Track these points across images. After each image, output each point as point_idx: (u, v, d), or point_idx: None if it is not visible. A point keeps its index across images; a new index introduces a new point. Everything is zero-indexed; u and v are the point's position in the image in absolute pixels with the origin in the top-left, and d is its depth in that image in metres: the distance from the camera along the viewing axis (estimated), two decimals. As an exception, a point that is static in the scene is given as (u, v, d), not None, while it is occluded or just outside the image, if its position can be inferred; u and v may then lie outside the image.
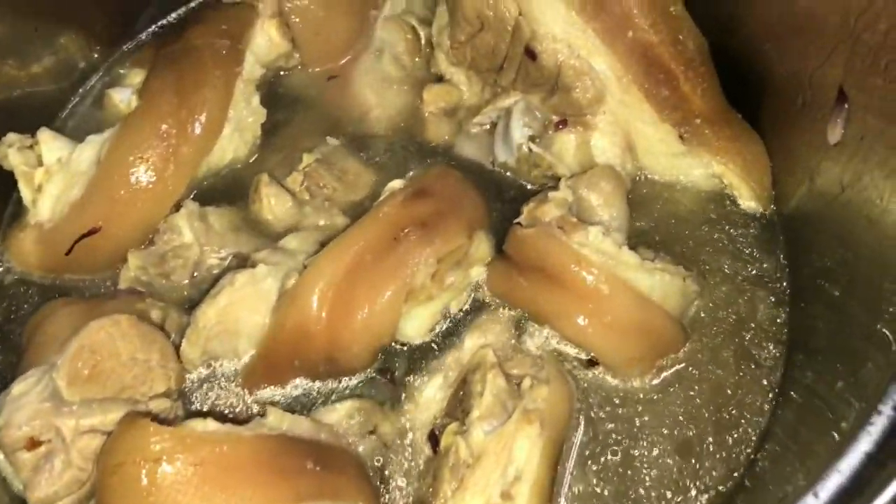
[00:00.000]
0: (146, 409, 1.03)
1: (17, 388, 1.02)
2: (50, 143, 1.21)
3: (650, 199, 1.28)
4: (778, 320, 1.18)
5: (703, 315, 1.18)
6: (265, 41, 1.33)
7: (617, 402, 1.12)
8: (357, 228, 1.15)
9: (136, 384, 1.04)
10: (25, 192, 1.19)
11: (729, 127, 1.28)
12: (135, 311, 1.09)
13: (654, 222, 1.26)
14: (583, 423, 1.10)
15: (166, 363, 1.08)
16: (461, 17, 1.30)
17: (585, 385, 1.13)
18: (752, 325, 1.17)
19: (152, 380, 1.06)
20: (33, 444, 0.99)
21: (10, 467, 1.02)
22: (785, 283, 1.21)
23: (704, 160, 1.27)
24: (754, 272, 1.22)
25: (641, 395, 1.12)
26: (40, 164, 1.19)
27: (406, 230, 1.13)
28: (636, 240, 1.21)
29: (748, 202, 1.27)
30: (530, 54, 1.25)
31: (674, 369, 1.14)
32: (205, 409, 1.10)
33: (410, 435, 1.10)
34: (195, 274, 1.18)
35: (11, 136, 1.21)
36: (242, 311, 1.11)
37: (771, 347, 1.15)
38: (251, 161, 1.29)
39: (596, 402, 1.11)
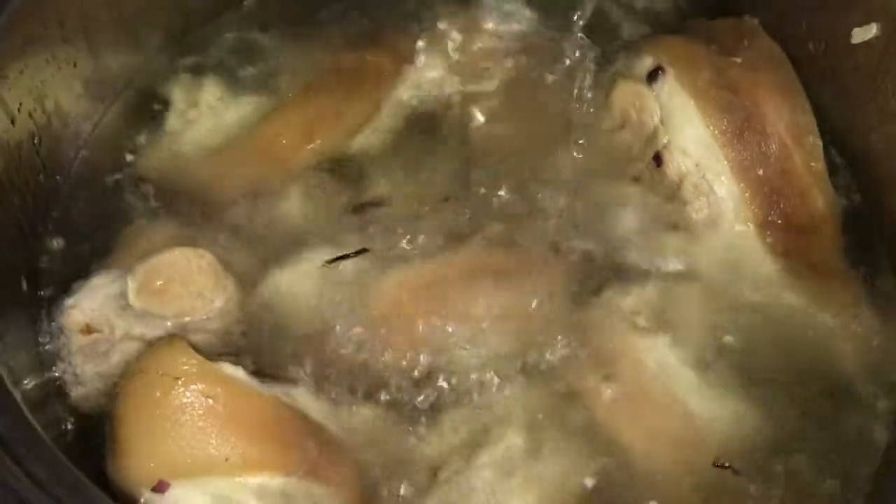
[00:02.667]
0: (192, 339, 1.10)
1: (97, 279, 1.12)
2: (212, 91, 1.35)
3: (743, 328, 1.22)
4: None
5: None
6: (429, 73, 1.43)
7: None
8: (445, 258, 1.21)
9: (193, 316, 1.11)
10: (173, 123, 1.32)
11: (841, 288, 1.24)
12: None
13: (742, 354, 1.19)
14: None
15: (228, 309, 1.15)
16: (607, 109, 1.36)
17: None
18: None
19: (209, 318, 1.13)
20: (88, 329, 1.08)
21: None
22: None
23: (808, 312, 1.22)
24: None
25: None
26: (194, 105, 1.33)
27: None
28: (715, 364, 1.17)
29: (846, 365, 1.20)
30: (657, 159, 1.28)
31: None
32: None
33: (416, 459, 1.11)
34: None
35: (184, 76, 1.37)
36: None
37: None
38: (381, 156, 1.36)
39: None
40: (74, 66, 1.23)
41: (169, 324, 1.09)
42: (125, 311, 1.09)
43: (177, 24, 1.41)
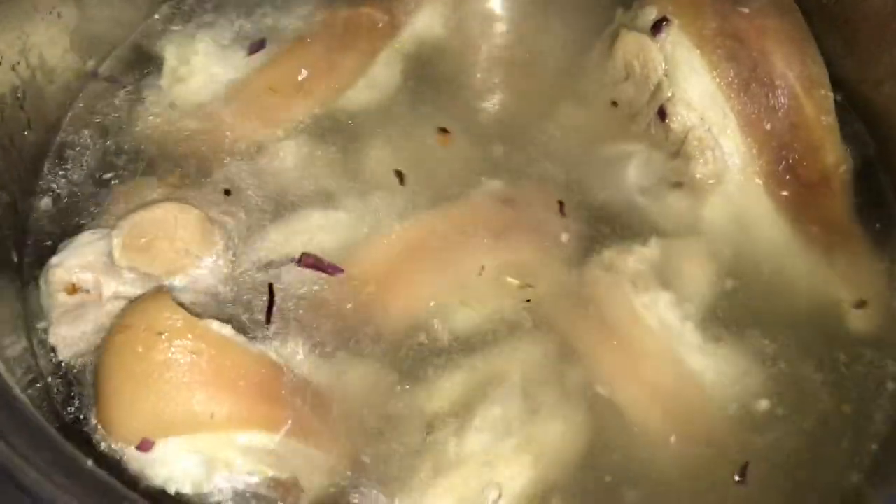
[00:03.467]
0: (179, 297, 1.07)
1: (83, 237, 1.10)
2: (204, 46, 1.32)
3: (749, 283, 1.18)
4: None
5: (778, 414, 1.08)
6: (427, 23, 1.39)
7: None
8: (439, 212, 1.19)
9: (180, 273, 1.09)
10: (166, 80, 1.29)
11: (850, 244, 1.20)
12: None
13: (748, 310, 1.16)
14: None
15: (217, 267, 1.12)
16: (610, 62, 1.32)
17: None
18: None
19: (198, 277, 1.11)
20: (73, 289, 1.05)
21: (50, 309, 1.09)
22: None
23: (816, 269, 1.18)
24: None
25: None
26: (186, 61, 1.29)
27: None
28: (719, 321, 1.13)
29: (855, 324, 1.15)
30: (661, 114, 1.24)
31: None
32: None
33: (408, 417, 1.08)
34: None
35: (176, 32, 1.35)
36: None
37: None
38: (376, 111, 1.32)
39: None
40: (59, 16, 1.20)
41: (156, 283, 1.07)
42: (112, 270, 1.07)
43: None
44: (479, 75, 1.37)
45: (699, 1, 1.25)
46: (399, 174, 1.24)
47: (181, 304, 1.01)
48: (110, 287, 1.06)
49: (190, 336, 0.95)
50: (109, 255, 1.07)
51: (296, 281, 1.13)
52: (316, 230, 1.17)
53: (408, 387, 1.08)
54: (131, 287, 1.07)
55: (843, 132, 1.22)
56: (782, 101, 1.19)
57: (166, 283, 1.07)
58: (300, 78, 1.28)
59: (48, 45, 1.19)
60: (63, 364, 1.06)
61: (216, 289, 1.12)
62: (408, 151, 1.28)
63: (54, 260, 1.08)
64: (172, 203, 1.10)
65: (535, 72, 1.36)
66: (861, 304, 1.16)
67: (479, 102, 1.33)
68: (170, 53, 1.31)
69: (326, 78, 1.29)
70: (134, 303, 1.01)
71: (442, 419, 1.06)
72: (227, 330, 1.00)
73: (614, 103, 1.31)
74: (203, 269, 1.10)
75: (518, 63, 1.37)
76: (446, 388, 1.10)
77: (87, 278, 1.07)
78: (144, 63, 1.34)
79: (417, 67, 1.36)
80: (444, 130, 1.28)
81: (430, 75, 1.35)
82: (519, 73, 1.36)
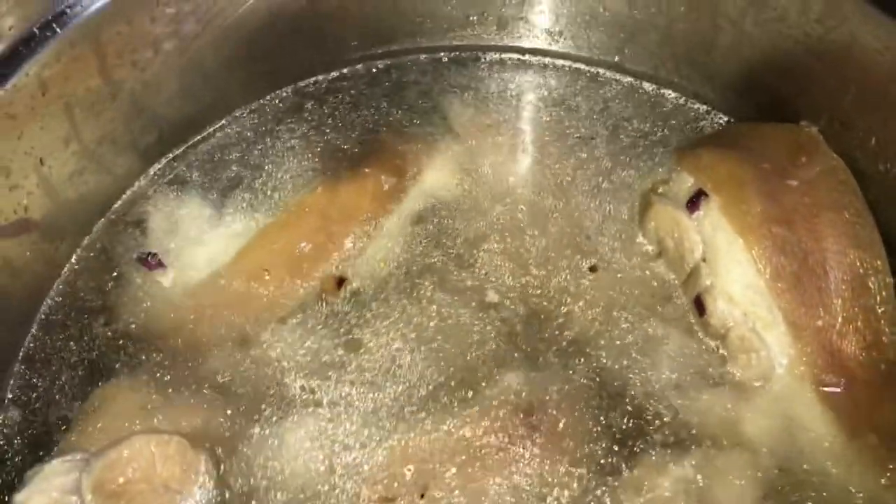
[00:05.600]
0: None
1: (50, 467, 0.98)
2: (192, 216, 1.21)
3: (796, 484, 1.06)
4: None
5: None
6: (438, 179, 1.27)
7: None
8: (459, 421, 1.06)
9: (159, 512, 0.98)
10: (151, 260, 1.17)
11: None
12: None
13: None
14: None
15: (203, 496, 1.01)
16: (641, 232, 1.19)
17: None
18: None
19: (177, 512, 1.00)
20: (42, 532, 0.96)
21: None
22: None
23: (872, 485, 1.04)
24: None
25: None
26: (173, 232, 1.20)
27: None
28: None
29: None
30: (699, 305, 1.11)
31: None
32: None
33: None
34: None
35: (161, 202, 1.23)
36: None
37: None
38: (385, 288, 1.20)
39: None
40: (25, 210, 1.08)
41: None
42: (83, 509, 0.96)
43: (150, 142, 1.25)
44: (495, 241, 1.23)
45: (742, 173, 1.12)
46: (407, 363, 1.12)
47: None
48: (82, 529, 0.96)
49: None
50: (78, 491, 0.96)
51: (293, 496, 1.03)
52: (307, 442, 1.06)
53: None
54: (105, 530, 0.96)
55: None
56: (836, 293, 1.06)
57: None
58: (296, 255, 1.16)
59: (14, 247, 1.08)
60: None
61: (202, 520, 1.01)
62: (413, 337, 1.15)
63: (18, 498, 0.97)
64: (148, 435, 0.98)
65: (558, 241, 1.22)
66: None
67: (495, 275, 1.20)
68: (153, 226, 1.20)
69: (325, 255, 1.17)
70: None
71: None
72: None
73: (647, 282, 1.18)
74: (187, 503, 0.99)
75: (538, 231, 1.24)
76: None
77: (56, 519, 0.96)
78: (126, 239, 1.22)
79: (428, 232, 1.23)
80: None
81: (443, 242, 1.23)
82: (539, 243, 1.22)
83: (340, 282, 1.17)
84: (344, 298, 1.17)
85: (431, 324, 1.16)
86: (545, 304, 1.18)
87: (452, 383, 1.11)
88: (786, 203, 1.10)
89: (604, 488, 1.04)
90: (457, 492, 1.03)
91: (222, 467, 1.04)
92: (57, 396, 1.09)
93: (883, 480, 1.04)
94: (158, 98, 1.20)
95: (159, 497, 0.97)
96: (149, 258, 1.17)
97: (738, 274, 1.08)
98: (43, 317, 1.15)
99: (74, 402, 1.09)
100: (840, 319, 1.06)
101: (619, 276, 1.19)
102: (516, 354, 1.14)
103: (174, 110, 1.23)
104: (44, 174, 1.07)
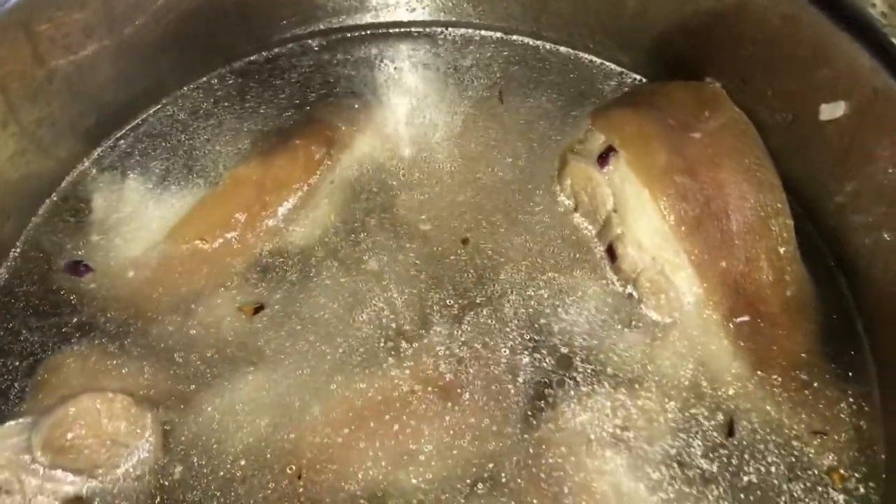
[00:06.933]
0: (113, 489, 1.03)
1: (3, 430, 1.04)
2: (133, 190, 1.27)
3: (709, 425, 1.12)
4: None
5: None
6: (366, 147, 1.33)
7: None
8: (383, 378, 1.13)
9: (108, 466, 1.04)
10: (95, 232, 1.23)
11: (812, 374, 1.14)
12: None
13: (707, 455, 1.10)
14: None
15: (146, 452, 1.07)
16: (559, 189, 1.26)
17: None
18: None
19: (127, 467, 1.05)
20: (-4, 489, 1.02)
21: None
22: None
23: (778, 402, 1.13)
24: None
25: None
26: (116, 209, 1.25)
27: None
28: (677, 474, 1.08)
29: (815, 455, 1.10)
30: (611, 253, 1.18)
31: None
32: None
33: None
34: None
35: (104, 178, 1.29)
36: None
37: None
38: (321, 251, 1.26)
39: None
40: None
41: (86, 478, 1.03)
42: (35, 466, 1.02)
43: (90, 124, 1.30)
44: (424, 203, 1.29)
45: (648, 129, 1.19)
46: (345, 317, 1.19)
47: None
48: (34, 485, 1.01)
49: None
50: (31, 451, 1.02)
51: (235, 460, 1.09)
52: (248, 401, 1.12)
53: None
54: (55, 482, 1.02)
55: (807, 257, 1.17)
56: (737, 236, 1.14)
57: (95, 476, 1.03)
58: (233, 224, 1.22)
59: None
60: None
61: (151, 472, 1.06)
62: (354, 291, 1.21)
63: (-28, 459, 1.03)
64: (93, 393, 1.04)
65: (483, 198, 1.29)
66: (820, 434, 1.11)
67: (425, 233, 1.26)
68: (98, 202, 1.26)
69: (260, 220, 1.23)
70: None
71: None
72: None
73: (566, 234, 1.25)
74: (134, 456, 1.05)
75: (464, 189, 1.31)
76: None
77: (10, 477, 1.02)
78: (73, 215, 1.28)
79: (359, 197, 1.30)
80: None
81: (373, 206, 1.29)
82: (465, 200, 1.29)
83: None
84: (281, 262, 1.23)
85: (363, 284, 1.23)
86: (471, 258, 1.25)
87: (384, 338, 1.18)
88: (689, 154, 1.16)
89: (524, 425, 1.10)
90: (391, 442, 1.09)
91: (167, 425, 1.11)
92: (7, 370, 1.15)
93: (786, 408, 1.13)
94: (94, 82, 1.25)
95: (107, 451, 1.04)
96: (79, 266, 1.22)
97: (645, 222, 1.15)
98: (-2, 279, 1.22)
99: (24, 376, 1.14)
100: (743, 259, 1.14)
101: (538, 229, 1.26)
102: (442, 307, 1.20)
103: (111, 94, 1.28)
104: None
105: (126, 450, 1.05)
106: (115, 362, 1.14)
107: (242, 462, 1.09)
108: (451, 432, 1.11)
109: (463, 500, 1.07)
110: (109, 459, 1.04)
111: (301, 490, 1.07)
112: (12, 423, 1.06)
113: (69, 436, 1.02)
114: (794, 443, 1.10)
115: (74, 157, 1.29)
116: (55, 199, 1.28)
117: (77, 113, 1.25)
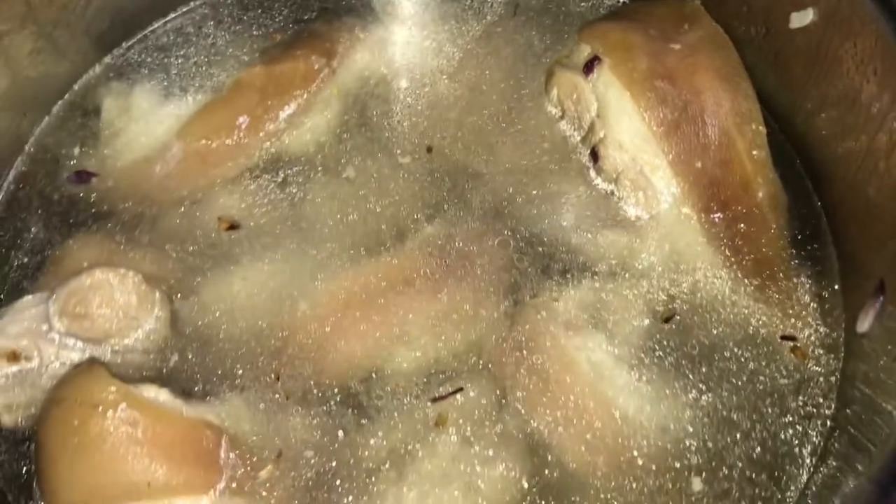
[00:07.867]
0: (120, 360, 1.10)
1: (22, 303, 1.12)
2: (142, 96, 1.33)
3: (683, 320, 1.20)
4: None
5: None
6: (364, 60, 1.40)
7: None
8: (378, 264, 1.21)
9: (119, 337, 1.11)
10: (105, 133, 1.30)
11: (782, 276, 1.22)
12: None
13: (681, 346, 1.18)
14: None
15: (157, 328, 1.14)
16: (546, 100, 1.34)
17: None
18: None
19: (138, 339, 1.12)
20: (14, 357, 1.07)
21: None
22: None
23: (749, 302, 1.20)
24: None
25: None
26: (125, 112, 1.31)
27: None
28: (651, 358, 1.16)
29: (785, 356, 1.17)
30: (594, 155, 1.25)
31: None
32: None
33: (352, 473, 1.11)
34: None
35: (114, 84, 1.36)
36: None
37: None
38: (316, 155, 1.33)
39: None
40: (-13, 78, 1.21)
41: (96, 346, 1.09)
42: (51, 335, 1.09)
43: (103, 30, 1.37)
44: (418, 114, 1.36)
45: (631, 39, 1.26)
46: (339, 219, 1.26)
47: (117, 371, 1.04)
48: (50, 352, 1.08)
49: (124, 407, 0.98)
50: (48, 320, 1.09)
51: (237, 337, 1.17)
52: (253, 283, 1.20)
53: (350, 436, 1.11)
54: (72, 351, 1.09)
55: (778, 164, 1.24)
56: (712, 138, 1.20)
57: (106, 346, 1.10)
58: (236, 127, 1.29)
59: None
60: (10, 430, 1.08)
61: (159, 348, 1.14)
62: (347, 196, 1.29)
63: (-7, 326, 1.10)
64: (108, 268, 1.11)
65: (474, 110, 1.36)
66: (790, 338, 1.18)
67: (418, 142, 1.33)
68: (108, 105, 1.32)
69: (262, 126, 1.30)
70: (68, 375, 1.03)
71: (383, 467, 1.09)
72: (164, 395, 1.03)
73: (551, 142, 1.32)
74: (142, 330, 1.13)
75: (456, 102, 1.37)
76: (386, 436, 1.13)
77: (28, 344, 1.08)
78: (85, 117, 1.35)
79: (357, 108, 1.37)
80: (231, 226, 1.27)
81: (370, 116, 1.36)
82: (457, 112, 1.36)
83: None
84: (278, 166, 1.31)
85: (360, 185, 1.30)
86: (465, 164, 1.32)
87: (382, 230, 1.25)
88: (669, 62, 1.23)
89: (507, 312, 1.18)
90: (385, 320, 1.17)
91: (174, 304, 1.18)
92: (24, 252, 1.23)
93: (755, 295, 1.20)
94: (111, -14, 1.33)
95: (119, 321, 1.11)
96: (82, 175, 1.29)
97: (626, 124, 1.22)
98: (11, 185, 1.29)
99: (35, 270, 1.21)
100: (718, 161, 1.20)
101: (527, 137, 1.33)
102: (436, 209, 1.28)
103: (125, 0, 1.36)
104: (3, 46, 1.19)
105: (136, 322, 1.12)
106: (127, 249, 1.21)
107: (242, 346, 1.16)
108: (436, 318, 1.18)
109: (451, 379, 1.15)
110: (120, 331, 1.11)
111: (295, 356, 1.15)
112: (30, 296, 1.13)
113: (84, 304, 1.09)
114: (761, 328, 1.18)
115: (87, 62, 1.36)
116: (68, 98, 1.35)
117: (91, 16, 1.32)
